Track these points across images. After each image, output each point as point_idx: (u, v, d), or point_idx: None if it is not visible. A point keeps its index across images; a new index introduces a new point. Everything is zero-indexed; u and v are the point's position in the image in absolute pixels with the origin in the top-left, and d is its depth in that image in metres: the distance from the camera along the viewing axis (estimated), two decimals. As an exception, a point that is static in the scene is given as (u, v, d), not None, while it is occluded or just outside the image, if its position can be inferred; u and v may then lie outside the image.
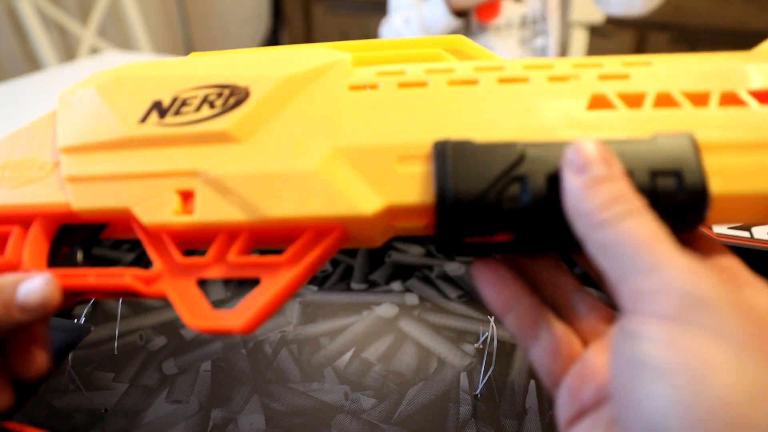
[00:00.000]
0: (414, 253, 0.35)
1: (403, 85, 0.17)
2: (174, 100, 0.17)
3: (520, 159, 0.14)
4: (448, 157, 0.15)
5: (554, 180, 0.14)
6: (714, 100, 0.15)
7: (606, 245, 0.13)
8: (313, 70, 0.17)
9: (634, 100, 0.16)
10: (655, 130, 0.15)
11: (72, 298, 0.17)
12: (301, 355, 0.26)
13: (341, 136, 0.16)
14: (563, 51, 0.87)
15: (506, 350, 0.27)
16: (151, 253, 0.16)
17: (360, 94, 0.17)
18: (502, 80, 0.17)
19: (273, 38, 1.74)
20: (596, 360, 0.15)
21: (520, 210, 0.14)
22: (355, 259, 0.34)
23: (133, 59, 0.89)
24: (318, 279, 0.32)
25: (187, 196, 0.16)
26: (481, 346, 0.27)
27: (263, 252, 0.16)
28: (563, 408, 0.15)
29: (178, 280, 0.16)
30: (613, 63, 0.17)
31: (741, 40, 1.36)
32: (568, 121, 0.15)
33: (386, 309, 0.29)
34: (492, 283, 0.16)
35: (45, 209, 0.17)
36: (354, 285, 0.31)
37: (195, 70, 0.18)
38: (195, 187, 0.16)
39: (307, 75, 0.17)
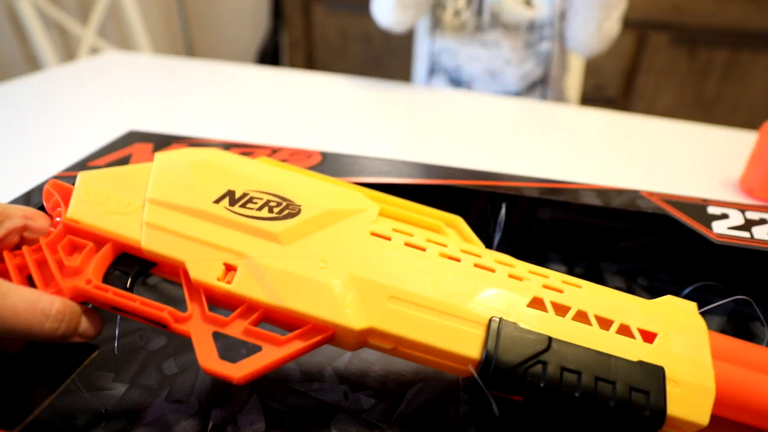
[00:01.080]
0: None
1: (408, 244, 0.22)
2: (243, 195, 0.22)
3: (547, 348, 0.19)
4: (500, 332, 0.20)
5: (564, 371, 0.19)
6: (614, 327, 0.21)
7: None
8: (350, 210, 0.23)
9: (561, 309, 0.21)
10: (568, 336, 0.20)
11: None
12: (301, 355, 0.26)
13: (355, 267, 0.21)
14: (565, 55, 0.87)
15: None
16: (188, 301, 0.20)
17: (376, 239, 0.22)
18: (477, 265, 0.22)
19: (273, 38, 1.74)
20: None
21: (538, 387, 0.19)
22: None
23: (133, 59, 0.89)
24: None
25: (230, 269, 0.20)
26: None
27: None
28: None
29: (200, 326, 0.20)
30: (556, 278, 0.22)
31: (741, 40, 1.36)
32: (512, 310, 0.21)
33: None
34: None
35: (120, 238, 0.21)
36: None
37: (265, 177, 0.24)
38: (239, 265, 0.20)
39: (344, 212, 0.23)
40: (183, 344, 0.26)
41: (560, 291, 0.22)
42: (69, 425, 0.22)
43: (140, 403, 0.23)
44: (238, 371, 0.18)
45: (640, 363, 0.20)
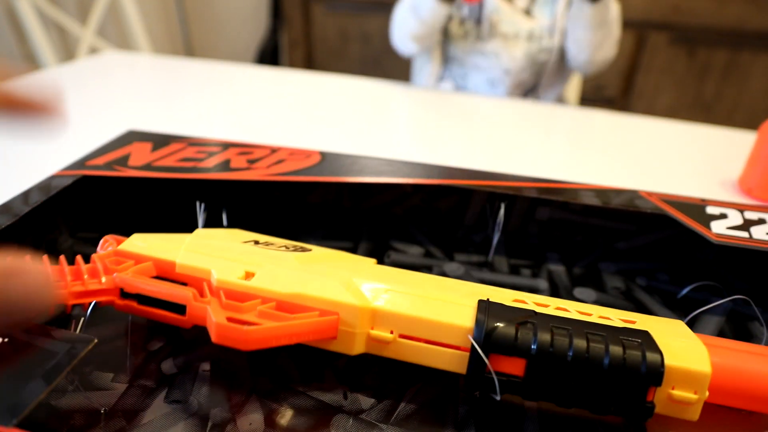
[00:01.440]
0: (413, 254, 0.35)
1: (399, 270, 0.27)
2: (266, 242, 0.28)
3: (534, 314, 0.22)
4: (489, 305, 0.22)
5: (554, 329, 0.21)
6: (594, 317, 0.23)
7: None
8: (349, 256, 0.28)
9: (542, 306, 0.23)
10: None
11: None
12: (300, 354, 0.26)
13: (357, 275, 0.25)
14: (564, 65, 0.88)
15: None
16: (208, 293, 0.24)
17: (376, 266, 0.27)
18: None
19: (272, 38, 1.74)
20: None
21: (530, 351, 0.20)
22: (355, 259, 0.34)
23: (132, 59, 0.89)
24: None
25: (249, 275, 0.24)
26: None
27: None
28: None
29: (218, 306, 0.22)
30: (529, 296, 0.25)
31: (740, 40, 1.36)
32: (499, 300, 0.23)
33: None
34: None
35: (159, 259, 0.25)
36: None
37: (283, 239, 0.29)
38: (257, 271, 0.24)
39: (349, 255, 0.28)
40: (182, 344, 0.26)
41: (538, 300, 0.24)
42: (68, 425, 0.22)
43: (139, 403, 0.23)
44: (247, 333, 0.20)
45: (625, 327, 0.21)
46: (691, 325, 0.30)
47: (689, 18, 1.36)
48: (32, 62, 1.24)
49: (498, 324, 0.21)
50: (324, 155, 0.37)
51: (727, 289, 0.32)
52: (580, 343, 0.20)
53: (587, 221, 0.35)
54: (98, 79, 0.73)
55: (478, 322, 0.21)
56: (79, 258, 0.24)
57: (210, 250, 0.26)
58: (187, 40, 1.86)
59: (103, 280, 0.23)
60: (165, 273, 0.25)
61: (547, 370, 0.20)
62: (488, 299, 0.23)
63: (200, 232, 0.28)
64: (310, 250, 0.27)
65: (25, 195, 0.31)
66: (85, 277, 0.23)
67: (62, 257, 0.24)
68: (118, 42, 1.50)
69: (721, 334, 0.29)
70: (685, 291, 0.33)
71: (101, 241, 0.27)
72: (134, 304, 0.24)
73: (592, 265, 0.35)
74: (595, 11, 0.75)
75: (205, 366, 0.25)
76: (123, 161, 0.35)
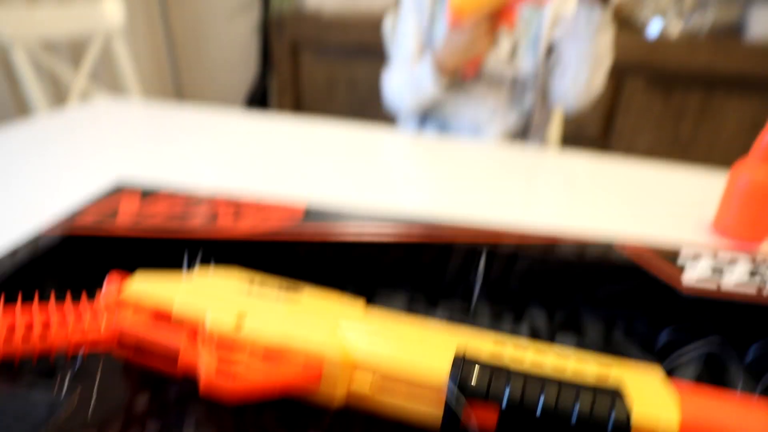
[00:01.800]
0: (397, 305, 0.36)
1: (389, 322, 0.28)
2: (260, 282, 0.29)
3: (507, 371, 0.22)
4: (462, 363, 0.23)
5: (526, 385, 0.22)
6: (573, 360, 0.23)
7: None
8: (337, 301, 0.29)
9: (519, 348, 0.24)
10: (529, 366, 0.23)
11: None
12: (285, 414, 0.26)
13: (344, 318, 0.26)
14: (547, 105, 0.90)
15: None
16: (200, 342, 0.25)
17: (362, 313, 0.28)
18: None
19: (261, 83, 1.78)
20: None
21: (501, 402, 0.21)
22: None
23: (122, 106, 0.90)
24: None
25: (239, 325, 0.25)
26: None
27: None
28: None
29: (210, 353, 0.24)
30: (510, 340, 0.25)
31: (711, 82, 1.42)
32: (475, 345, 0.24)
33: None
34: None
35: (156, 304, 0.26)
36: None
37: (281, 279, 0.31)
38: (246, 320, 0.25)
39: (340, 299, 0.29)
40: (166, 405, 0.26)
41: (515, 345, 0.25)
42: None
43: (121, 467, 0.23)
44: (232, 390, 0.22)
45: (596, 386, 0.22)
46: (669, 368, 0.31)
47: (663, 63, 1.42)
48: (23, 106, 1.25)
49: (471, 381, 0.22)
50: (308, 211, 0.38)
51: (703, 333, 0.33)
52: (550, 399, 0.21)
53: (567, 270, 0.36)
54: (89, 127, 0.74)
55: (452, 376, 0.22)
56: (84, 299, 0.26)
57: (205, 296, 0.27)
58: (178, 84, 1.90)
59: (102, 329, 0.25)
60: (163, 317, 0.26)
61: (518, 424, 0.21)
62: (464, 355, 0.24)
63: (199, 273, 0.30)
64: (301, 291, 0.29)
65: (14, 254, 0.31)
66: (86, 327, 0.25)
67: (68, 296, 0.26)
68: (109, 84, 1.53)
69: (698, 377, 0.30)
70: (662, 337, 0.33)
71: (107, 278, 0.28)
72: (131, 353, 0.26)
73: (572, 312, 0.36)
74: (595, 41, 0.77)
75: (189, 428, 0.25)
76: (111, 217, 0.35)
